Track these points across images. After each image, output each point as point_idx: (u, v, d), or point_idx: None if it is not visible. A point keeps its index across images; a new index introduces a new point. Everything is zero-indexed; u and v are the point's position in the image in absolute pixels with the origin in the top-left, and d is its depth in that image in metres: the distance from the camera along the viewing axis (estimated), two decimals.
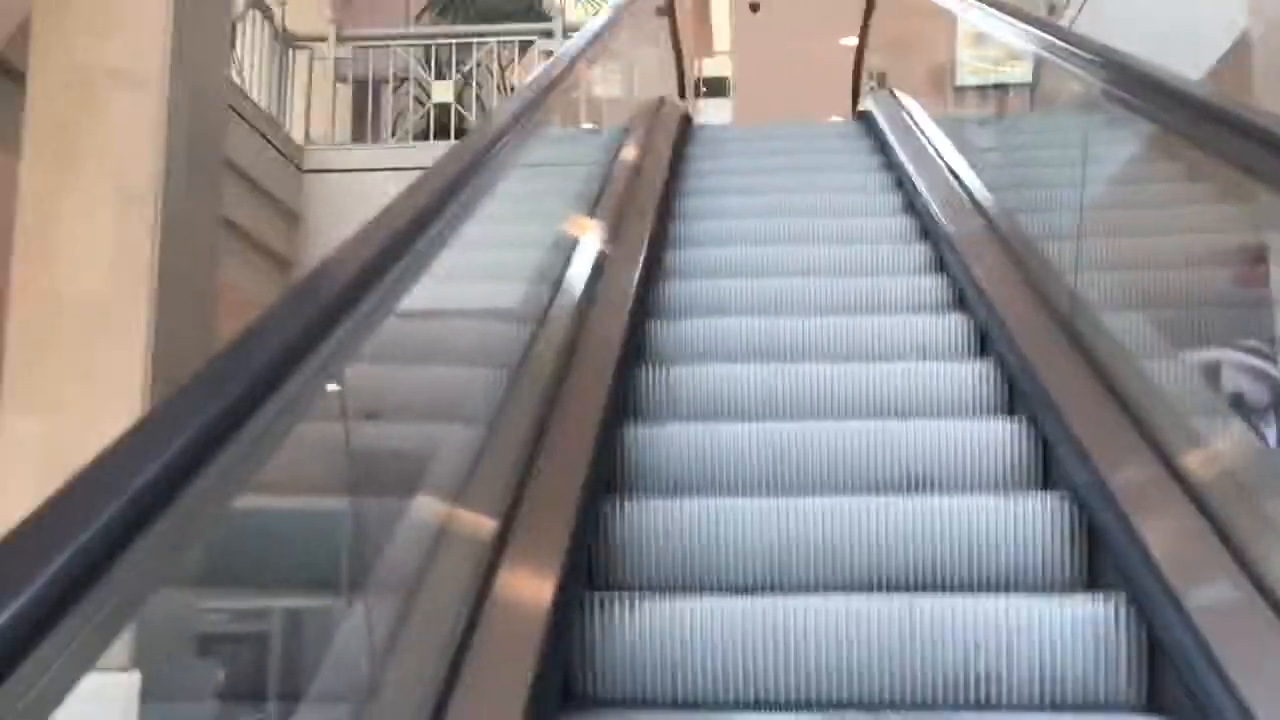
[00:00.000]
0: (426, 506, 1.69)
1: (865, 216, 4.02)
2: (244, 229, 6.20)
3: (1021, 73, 6.05)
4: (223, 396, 1.07)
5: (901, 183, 4.35)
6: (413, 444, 1.83)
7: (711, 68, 11.10)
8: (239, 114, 6.03)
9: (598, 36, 4.08)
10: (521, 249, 3.29)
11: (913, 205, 4.01)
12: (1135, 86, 2.17)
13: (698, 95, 10.11)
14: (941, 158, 4.25)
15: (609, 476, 2.18)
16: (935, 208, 3.70)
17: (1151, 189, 3.50)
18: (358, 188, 6.22)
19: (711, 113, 9.96)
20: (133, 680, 1.86)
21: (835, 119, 10.33)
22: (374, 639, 1.51)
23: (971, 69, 6.49)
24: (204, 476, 0.98)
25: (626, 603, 1.76)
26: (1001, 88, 6.10)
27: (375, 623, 1.53)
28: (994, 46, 6.32)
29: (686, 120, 6.15)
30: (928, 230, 3.68)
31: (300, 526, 1.85)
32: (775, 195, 4.26)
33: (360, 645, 1.52)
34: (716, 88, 10.87)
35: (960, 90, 6.44)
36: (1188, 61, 4.15)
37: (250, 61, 6.65)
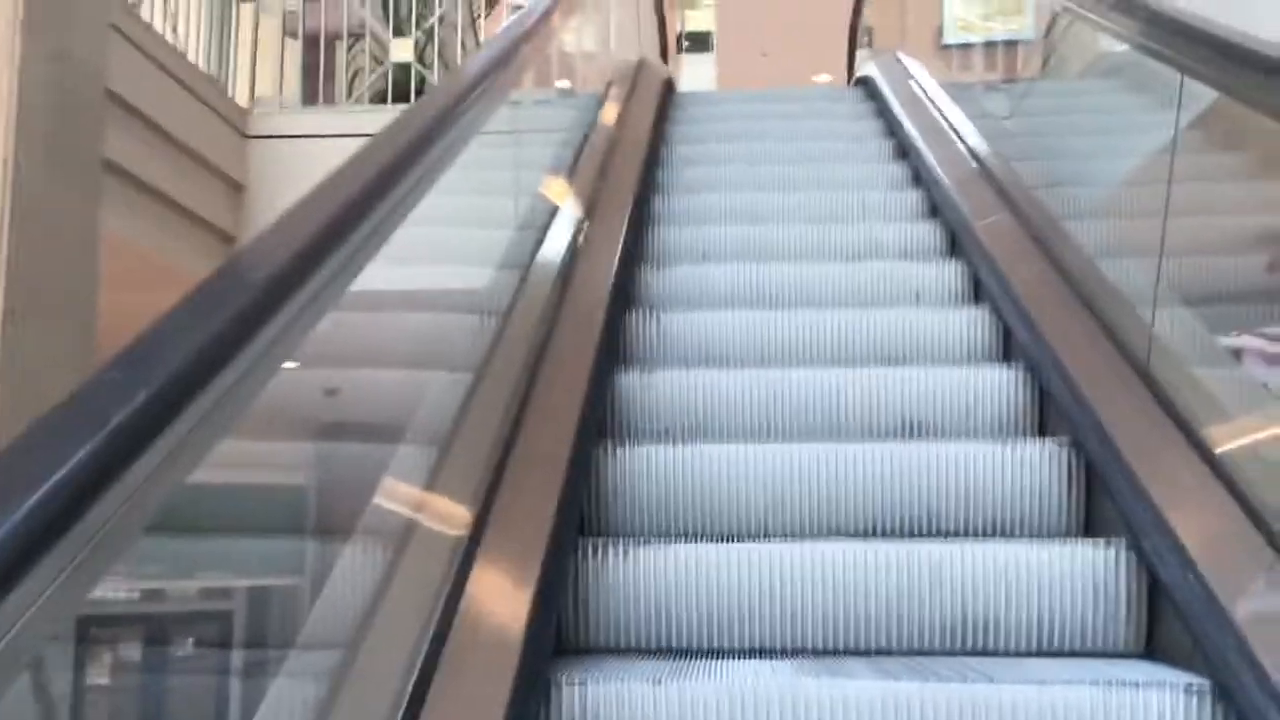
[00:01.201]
0: (413, 460, 1.84)
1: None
2: (180, 203, 6.30)
3: (1021, 29, 6.15)
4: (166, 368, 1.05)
5: (907, 154, 4.44)
6: (402, 394, 1.98)
7: (695, 21, 11.31)
8: (173, 76, 6.13)
9: None
10: (478, 229, 3.37)
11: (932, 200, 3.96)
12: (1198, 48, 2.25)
13: (679, 50, 10.31)
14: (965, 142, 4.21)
15: (601, 423, 2.35)
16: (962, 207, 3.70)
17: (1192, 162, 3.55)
18: (309, 154, 6.33)
19: (694, 70, 10.18)
20: None
21: (824, 78, 10.53)
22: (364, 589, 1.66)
23: (964, 25, 6.62)
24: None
25: (619, 549, 1.93)
26: (1007, 45, 6.21)
27: (370, 569, 1.69)
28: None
29: (669, 87, 6.13)
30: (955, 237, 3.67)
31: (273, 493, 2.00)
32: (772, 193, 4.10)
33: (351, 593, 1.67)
34: (700, 42, 11.08)
35: (948, 49, 6.58)
36: None
37: (188, 16, 6.75)
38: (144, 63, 5.83)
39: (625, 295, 3.14)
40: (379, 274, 1.96)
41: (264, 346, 1.24)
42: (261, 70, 7.06)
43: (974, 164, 3.92)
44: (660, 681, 1.68)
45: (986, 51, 6.48)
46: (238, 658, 2.40)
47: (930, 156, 4.15)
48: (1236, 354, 3.37)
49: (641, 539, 2.00)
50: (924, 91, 5.15)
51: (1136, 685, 1.70)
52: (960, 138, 4.24)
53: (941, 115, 4.66)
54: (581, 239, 3.30)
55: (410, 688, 1.52)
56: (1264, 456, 1.97)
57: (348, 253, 1.58)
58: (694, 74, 10.58)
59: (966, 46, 6.76)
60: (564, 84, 4.98)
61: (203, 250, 6.58)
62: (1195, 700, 1.67)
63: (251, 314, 1.22)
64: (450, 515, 1.79)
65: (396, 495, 1.76)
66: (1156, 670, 1.77)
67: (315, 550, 1.92)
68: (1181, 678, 1.70)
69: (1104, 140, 4.06)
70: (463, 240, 3.16)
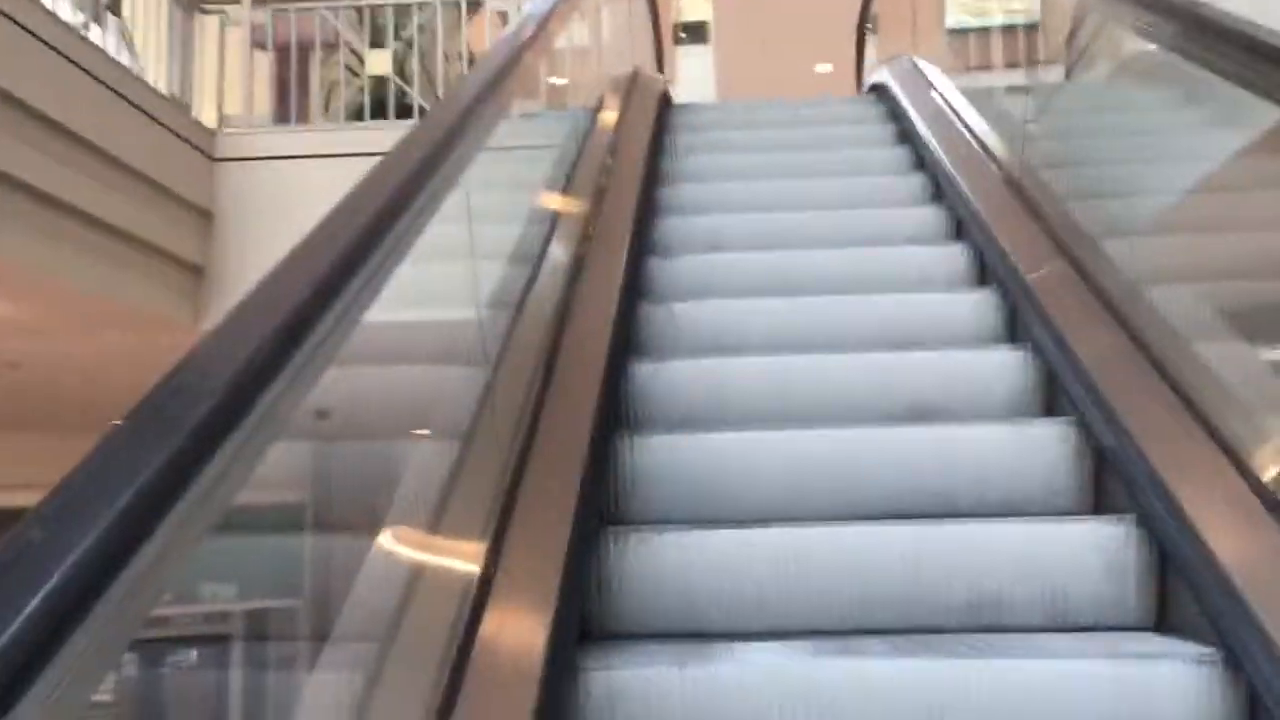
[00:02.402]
0: (436, 457, 2.16)
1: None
2: (142, 237, 6.58)
3: (1026, 14, 6.40)
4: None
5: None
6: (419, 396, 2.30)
7: (690, 10, 11.77)
8: (128, 100, 6.41)
9: None
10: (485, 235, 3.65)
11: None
12: None
13: (675, 42, 10.77)
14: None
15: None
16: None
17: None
18: (282, 177, 6.66)
19: (689, 66, 10.64)
20: None
21: (826, 68, 10.95)
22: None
23: (962, 7, 6.89)
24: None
25: (640, 537, 2.25)
26: (1022, 29, 6.44)
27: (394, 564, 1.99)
28: None
29: (666, 101, 6.36)
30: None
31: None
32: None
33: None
34: (696, 33, 11.54)
35: (955, 34, 6.84)
36: None
37: (145, 32, 7.07)
38: (94, 88, 6.12)
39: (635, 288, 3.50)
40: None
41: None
42: (229, 88, 7.37)
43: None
44: (684, 665, 1.98)
45: (995, 37, 6.65)
46: None
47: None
48: None
49: (661, 527, 2.33)
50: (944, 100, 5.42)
51: (1148, 658, 1.99)
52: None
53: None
54: (582, 246, 3.62)
55: (447, 672, 1.82)
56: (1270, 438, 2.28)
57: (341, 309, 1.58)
58: (690, 68, 11.10)
59: (972, 30, 7.02)
60: (550, 108, 5.23)
61: (170, 284, 6.90)
62: (1206, 670, 1.96)
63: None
64: (475, 508, 2.10)
65: (425, 489, 2.07)
66: (1168, 643, 2.07)
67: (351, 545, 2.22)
68: (1192, 649, 1.99)
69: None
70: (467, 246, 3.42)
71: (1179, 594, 2.14)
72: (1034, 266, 3.27)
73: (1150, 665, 1.98)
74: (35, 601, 0.90)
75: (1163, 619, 2.19)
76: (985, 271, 3.67)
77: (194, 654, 2.72)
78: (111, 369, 7.15)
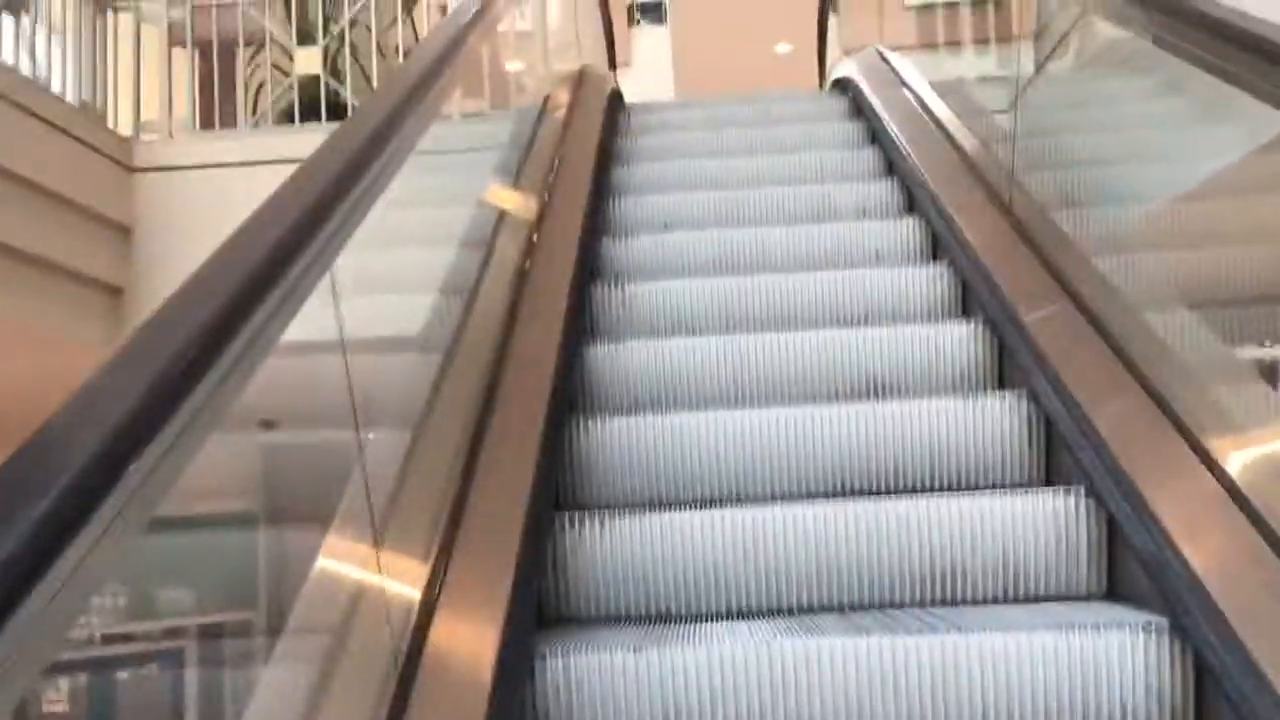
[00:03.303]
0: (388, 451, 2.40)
1: None
2: (54, 261, 6.70)
3: None
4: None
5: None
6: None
7: None
8: (31, 112, 6.51)
9: None
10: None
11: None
12: None
13: (631, 22, 11.19)
14: None
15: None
16: None
17: None
18: (207, 187, 6.83)
19: (647, 44, 11.09)
20: None
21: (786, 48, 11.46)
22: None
23: None
24: None
25: (596, 521, 2.49)
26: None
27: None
28: None
29: (615, 104, 6.47)
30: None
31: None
32: None
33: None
34: (653, 13, 12.02)
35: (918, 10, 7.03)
36: None
37: (50, 33, 7.18)
38: None
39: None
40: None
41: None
42: (146, 91, 7.49)
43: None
44: (640, 649, 2.22)
45: (959, 13, 6.83)
46: None
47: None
48: (1271, 369, 3.85)
49: (617, 509, 2.58)
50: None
51: (1098, 627, 2.25)
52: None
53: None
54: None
55: (401, 662, 2.05)
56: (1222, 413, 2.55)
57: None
58: (648, 48, 11.57)
59: (935, 7, 7.23)
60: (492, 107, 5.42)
61: (86, 306, 7.04)
62: (1154, 638, 2.21)
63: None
64: (426, 501, 2.34)
65: (377, 482, 2.31)
66: (1116, 611, 2.33)
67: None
68: (1140, 617, 2.25)
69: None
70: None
71: (1127, 562, 2.41)
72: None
73: (1100, 635, 2.23)
74: None
75: (1113, 587, 2.46)
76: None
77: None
78: (26, 396, 7.31)
